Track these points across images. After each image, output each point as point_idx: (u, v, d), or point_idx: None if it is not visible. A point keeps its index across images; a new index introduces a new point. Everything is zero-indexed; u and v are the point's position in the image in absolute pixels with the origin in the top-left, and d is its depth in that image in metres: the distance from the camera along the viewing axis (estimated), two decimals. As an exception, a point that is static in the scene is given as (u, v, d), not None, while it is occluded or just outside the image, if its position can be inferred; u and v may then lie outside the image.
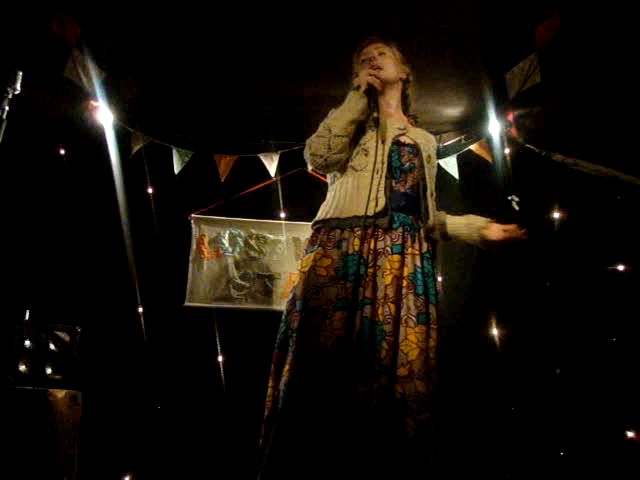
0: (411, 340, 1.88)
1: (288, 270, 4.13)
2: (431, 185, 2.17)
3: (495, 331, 3.93)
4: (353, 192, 2.08)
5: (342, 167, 2.16)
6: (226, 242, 4.19)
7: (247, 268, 4.14)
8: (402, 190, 2.10)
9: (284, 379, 1.88)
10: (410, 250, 2.02)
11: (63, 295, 3.77)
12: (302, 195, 3.87)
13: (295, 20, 3.19)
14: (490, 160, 3.97)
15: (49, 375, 3.02)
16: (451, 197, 4.19)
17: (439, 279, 2.20)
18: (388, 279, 1.95)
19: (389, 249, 1.99)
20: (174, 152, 4.02)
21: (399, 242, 2.01)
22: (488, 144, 3.95)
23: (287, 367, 1.90)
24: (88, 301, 3.79)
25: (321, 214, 2.15)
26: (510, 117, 3.75)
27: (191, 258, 4.12)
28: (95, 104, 3.68)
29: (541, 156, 3.65)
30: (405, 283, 1.96)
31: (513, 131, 3.79)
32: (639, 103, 3.40)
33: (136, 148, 3.91)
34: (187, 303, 4.03)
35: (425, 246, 2.09)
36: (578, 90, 3.46)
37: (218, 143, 4.13)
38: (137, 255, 3.87)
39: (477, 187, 4.13)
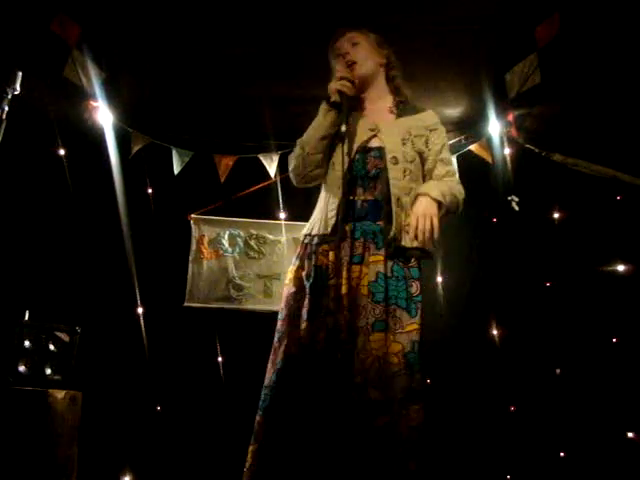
0: (366, 348, 1.90)
1: (288, 271, 4.12)
2: (398, 190, 2.03)
3: (495, 331, 3.93)
4: (322, 208, 2.12)
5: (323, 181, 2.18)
6: (226, 242, 4.18)
7: (247, 268, 4.14)
8: (370, 198, 2.05)
9: (269, 378, 2.01)
10: (372, 258, 2.00)
11: (63, 295, 3.76)
12: (302, 196, 3.86)
13: (294, 20, 3.19)
14: (490, 160, 3.96)
15: (49, 375, 3.02)
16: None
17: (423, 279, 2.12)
18: (345, 289, 1.95)
19: (347, 259, 1.98)
20: (174, 152, 4.02)
21: (359, 252, 2.00)
22: (488, 144, 3.95)
23: (269, 365, 2.04)
24: (88, 301, 3.79)
25: (306, 229, 2.20)
26: (510, 117, 3.76)
27: (191, 258, 4.12)
28: (95, 104, 3.68)
29: (541, 156, 3.67)
30: (365, 291, 1.96)
31: (513, 131, 3.80)
32: (639, 103, 3.40)
33: (136, 148, 3.91)
34: (187, 303, 4.02)
35: (399, 253, 2.03)
36: (578, 90, 3.46)
37: (218, 143, 4.13)
38: (137, 255, 3.87)
39: (477, 187, 4.13)
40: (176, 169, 4.01)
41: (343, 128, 1.99)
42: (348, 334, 1.90)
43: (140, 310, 3.88)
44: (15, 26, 3.05)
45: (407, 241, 2.00)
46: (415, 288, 2.02)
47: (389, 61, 2.27)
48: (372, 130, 2.11)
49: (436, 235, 1.98)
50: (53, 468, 2.70)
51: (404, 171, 2.06)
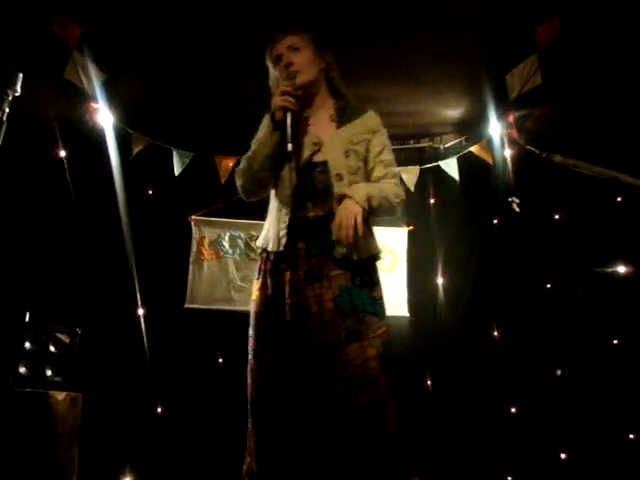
0: (343, 359, 1.93)
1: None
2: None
3: (496, 333, 3.94)
4: (273, 223, 2.10)
5: (272, 190, 2.17)
6: (226, 244, 4.18)
7: (247, 270, 4.13)
8: (320, 213, 2.03)
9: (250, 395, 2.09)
10: (333, 272, 1.99)
11: (63, 297, 3.76)
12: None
13: (294, 21, 3.18)
14: (491, 162, 3.97)
15: (49, 377, 3.02)
16: (451, 198, 4.20)
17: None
18: (313, 308, 1.97)
19: (309, 278, 1.99)
20: (174, 154, 4.02)
21: (317, 269, 2.00)
22: (489, 145, 3.95)
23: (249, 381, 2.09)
24: (88, 303, 3.79)
25: (259, 240, 2.19)
26: (511, 118, 3.76)
27: (191, 260, 4.12)
28: (95, 106, 3.68)
29: (542, 157, 3.67)
30: (330, 306, 1.97)
31: (514, 132, 3.80)
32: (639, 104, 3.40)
33: (137, 150, 3.91)
34: (187, 305, 4.02)
35: (355, 262, 2.02)
36: (579, 91, 3.46)
37: (218, 144, 4.13)
38: (137, 257, 3.86)
39: (477, 189, 4.14)
40: (177, 170, 4.01)
41: (290, 147, 1.92)
42: (321, 350, 1.94)
43: (141, 311, 3.88)
44: (16, 27, 3.06)
45: (354, 255, 2.00)
46: (377, 292, 2.06)
47: (329, 63, 2.21)
48: (315, 144, 2.08)
49: (360, 232, 1.93)
50: (53, 469, 2.70)
51: (349, 184, 2.04)
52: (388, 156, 2.16)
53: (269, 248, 2.09)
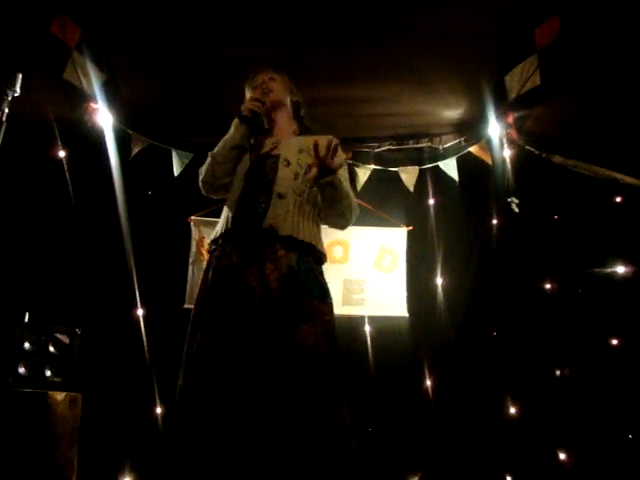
0: (293, 341, 1.93)
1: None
2: (284, 188, 2.13)
3: (495, 333, 3.94)
4: (224, 213, 2.24)
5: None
6: (226, 244, 4.18)
7: (246, 270, 4.13)
8: (267, 199, 2.12)
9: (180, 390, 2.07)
10: (279, 253, 2.05)
11: (63, 297, 3.76)
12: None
13: (293, 22, 3.19)
14: (490, 162, 3.97)
15: (49, 377, 3.02)
16: (451, 199, 4.20)
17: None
18: (258, 290, 1.98)
19: (254, 261, 2.02)
20: (174, 154, 4.02)
21: (261, 251, 2.04)
22: (488, 146, 3.95)
23: (180, 381, 2.08)
24: (88, 303, 3.79)
25: (210, 236, 2.27)
26: (510, 119, 3.76)
27: (191, 260, 4.12)
28: (95, 106, 3.68)
29: (541, 158, 3.68)
30: (275, 286, 1.99)
31: (513, 133, 3.80)
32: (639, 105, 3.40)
33: (136, 150, 3.91)
34: (187, 305, 4.02)
35: (296, 251, 2.09)
36: (578, 92, 3.46)
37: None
38: (137, 257, 3.86)
39: (477, 189, 4.14)
40: (176, 171, 4.01)
41: (252, 140, 2.21)
42: (270, 331, 1.93)
43: (140, 312, 3.87)
44: (15, 27, 3.06)
45: (284, 230, 2.07)
46: (321, 281, 2.12)
47: (298, 101, 2.46)
48: (274, 144, 2.29)
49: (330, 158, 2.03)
50: (53, 470, 2.70)
51: (295, 174, 2.18)
52: (345, 174, 2.32)
53: (217, 234, 2.17)
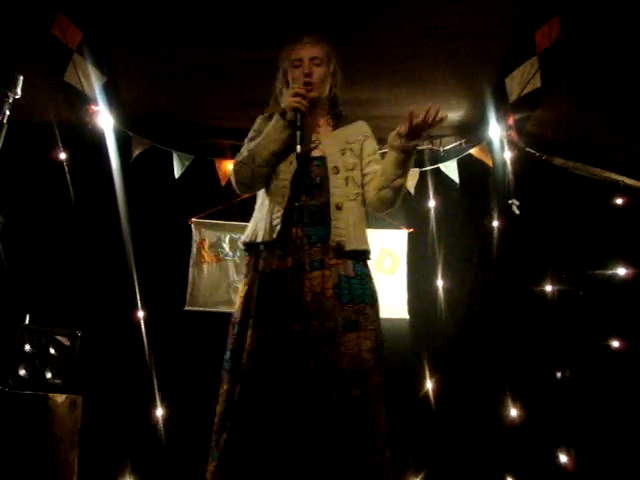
0: (340, 350, 1.93)
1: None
2: (339, 198, 2.08)
3: (495, 335, 3.93)
4: (265, 216, 2.13)
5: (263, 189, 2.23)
6: (227, 246, 4.19)
7: (247, 272, 4.13)
8: (316, 204, 2.09)
9: (224, 398, 2.03)
10: (334, 261, 2.03)
11: (63, 299, 3.76)
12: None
13: (295, 24, 3.19)
14: (490, 164, 3.97)
15: (49, 379, 3.02)
16: (451, 201, 4.20)
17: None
18: (308, 297, 1.98)
19: (308, 267, 2.01)
20: (174, 156, 4.02)
21: (318, 257, 2.03)
22: (488, 148, 3.95)
23: (226, 387, 2.04)
24: (88, 305, 3.79)
25: (246, 236, 2.21)
26: (510, 121, 3.76)
27: (191, 262, 4.12)
28: (96, 108, 3.69)
29: (542, 160, 3.68)
30: (331, 294, 1.99)
31: (513, 135, 3.80)
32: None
33: (137, 152, 3.92)
34: (187, 307, 4.02)
35: (353, 252, 2.08)
36: (578, 94, 3.46)
37: (218, 147, 4.14)
38: (137, 259, 3.86)
39: (477, 191, 4.14)
40: (177, 173, 4.01)
41: (299, 149, 2.02)
42: (318, 339, 1.93)
43: (141, 314, 3.87)
44: (16, 29, 3.06)
45: (349, 245, 2.05)
46: (374, 286, 2.10)
47: (337, 81, 2.30)
48: (313, 142, 2.18)
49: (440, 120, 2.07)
50: (53, 472, 2.70)
51: (346, 179, 2.13)
52: (380, 158, 2.25)
53: (258, 239, 2.11)
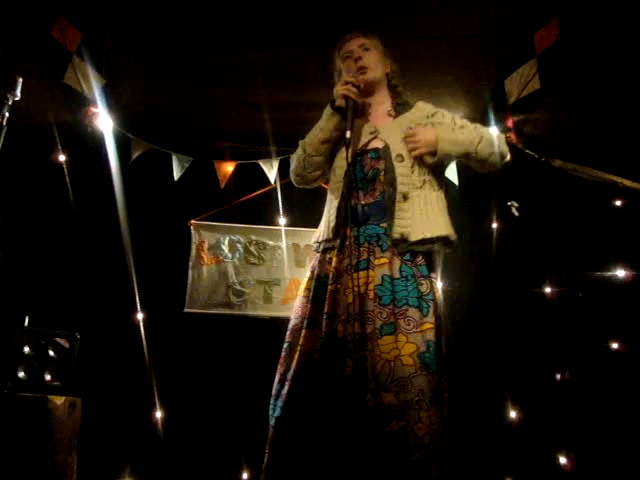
0: (376, 353, 1.87)
1: (288, 276, 4.12)
2: (405, 187, 2.03)
3: (495, 337, 3.93)
4: (325, 215, 2.16)
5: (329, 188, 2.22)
6: (226, 248, 4.18)
7: (247, 274, 4.13)
8: (370, 200, 2.06)
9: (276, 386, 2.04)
10: (378, 261, 1.98)
11: (63, 301, 3.76)
12: (302, 201, 3.87)
13: (295, 27, 3.20)
14: (490, 166, 3.96)
15: (48, 381, 3.01)
16: (450, 203, 4.20)
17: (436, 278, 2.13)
18: (350, 297, 1.93)
19: (354, 268, 1.96)
20: (174, 158, 4.02)
21: (364, 257, 1.99)
22: (488, 150, 3.94)
23: (278, 374, 2.05)
24: (88, 307, 3.78)
25: (315, 237, 2.22)
26: (509, 123, 3.76)
27: (190, 264, 4.12)
28: (95, 110, 3.69)
29: (541, 162, 3.68)
30: (372, 295, 1.95)
31: (513, 137, 3.80)
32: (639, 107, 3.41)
33: (136, 154, 3.91)
34: (187, 309, 4.02)
35: (405, 252, 2.02)
36: (577, 96, 3.46)
37: (218, 149, 4.14)
38: (137, 261, 3.86)
39: (476, 193, 4.14)
40: (176, 175, 4.01)
41: (348, 134, 1.97)
42: (359, 341, 1.87)
43: (140, 316, 3.87)
44: (16, 32, 3.06)
45: (415, 236, 1.99)
46: (426, 286, 2.01)
47: (392, 70, 2.29)
48: (372, 133, 2.13)
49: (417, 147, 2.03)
50: (52, 474, 2.69)
51: (411, 167, 2.06)
52: (462, 121, 2.24)
53: (320, 238, 2.12)
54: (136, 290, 3.84)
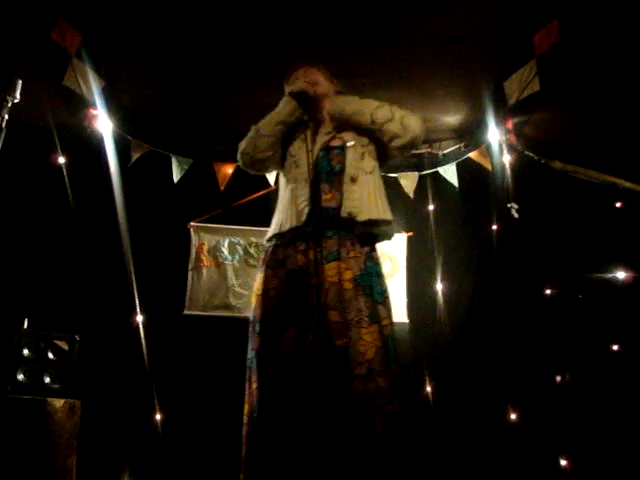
0: (366, 339, 1.94)
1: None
2: (354, 170, 2.14)
3: (496, 338, 3.93)
4: (287, 205, 2.18)
5: (281, 181, 2.31)
6: (225, 250, 4.18)
7: (246, 276, 4.13)
8: (336, 193, 2.12)
9: (254, 397, 2.03)
10: (352, 254, 2.06)
11: (62, 304, 3.75)
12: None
13: (292, 29, 3.20)
14: (489, 168, 3.97)
15: (48, 384, 3.01)
16: (451, 205, 4.20)
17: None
18: (333, 287, 2.00)
19: (325, 260, 2.03)
20: (173, 160, 4.02)
21: (334, 249, 2.05)
22: (487, 152, 3.96)
23: (255, 385, 2.04)
24: (87, 310, 3.78)
25: (271, 230, 2.26)
26: (509, 125, 3.76)
27: (190, 266, 4.12)
28: (94, 112, 3.69)
29: (540, 163, 3.67)
30: (350, 286, 2.00)
31: (512, 139, 3.80)
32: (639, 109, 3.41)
33: (136, 156, 3.92)
34: (186, 311, 4.02)
35: (367, 248, 2.11)
36: (577, 97, 3.47)
37: (217, 151, 4.14)
38: (136, 264, 3.85)
39: (476, 195, 4.14)
40: (176, 177, 4.01)
41: (305, 117, 2.20)
42: (339, 330, 1.93)
43: (140, 318, 3.86)
44: (15, 34, 3.06)
45: (363, 215, 2.06)
46: (384, 284, 2.12)
47: (338, 88, 2.42)
48: (329, 133, 2.25)
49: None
50: (51, 476, 2.69)
51: (362, 154, 2.19)
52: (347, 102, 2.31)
53: (284, 228, 2.13)
54: (136, 292, 3.84)
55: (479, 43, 3.23)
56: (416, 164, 4.27)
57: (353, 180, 2.12)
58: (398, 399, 1.95)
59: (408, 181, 4.11)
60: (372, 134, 2.20)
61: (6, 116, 2.06)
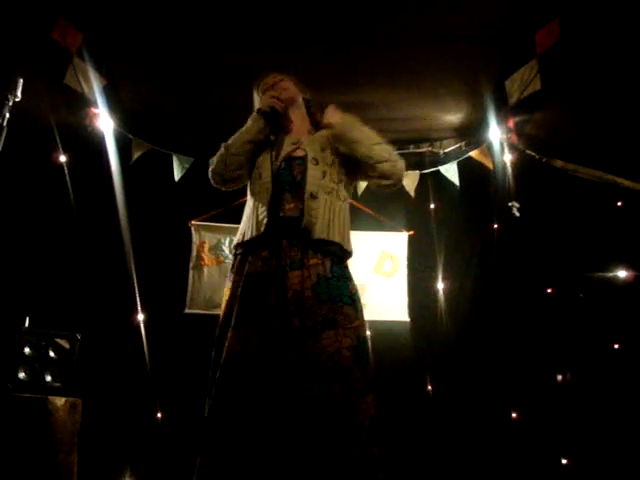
0: (318, 346, 1.97)
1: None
2: (315, 187, 2.15)
3: (496, 337, 3.93)
4: (250, 215, 2.21)
5: (248, 192, 2.33)
6: (226, 249, 4.18)
7: (247, 275, 4.12)
8: (298, 202, 2.14)
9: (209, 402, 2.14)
10: (313, 261, 2.08)
11: (63, 302, 3.76)
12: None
13: (293, 27, 3.20)
14: (490, 167, 3.97)
15: (49, 382, 3.01)
16: (452, 204, 4.20)
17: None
18: (290, 294, 2.02)
19: (288, 267, 2.05)
20: (174, 159, 4.02)
21: (298, 257, 2.07)
22: (489, 150, 3.96)
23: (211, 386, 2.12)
24: (88, 308, 3.78)
25: (236, 240, 2.27)
26: (510, 123, 3.76)
27: (191, 265, 4.12)
28: (95, 111, 3.69)
29: (542, 162, 3.67)
30: (309, 294, 2.03)
31: (513, 137, 3.80)
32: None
33: (137, 155, 3.92)
34: (187, 310, 4.02)
35: (331, 255, 2.13)
36: (578, 96, 3.46)
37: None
38: (137, 262, 3.86)
39: (477, 193, 4.14)
40: (177, 175, 4.02)
41: (272, 137, 2.23)
42: (299, 335, 1.97)
43: (141, 317, 3.87)
44: (16, 32, 3.06)
45: (317, 233, 2.08)
46: (352, 287, 2.14)
47: (309, 99, 2.48)
48: (295, 143, 2.27)
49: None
50: (52, 475, 2.69)
51: (323, 172, 2.20)
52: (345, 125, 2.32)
53: (247, 237, 2.16)
54: (137, 291, 3.84)
55: (480, 42, 3.22)
56: (417, 163, 4.28)
57: (313, 197, 2.13)
58: (373, 393, 1.98)
59: (409, 180, 4.11)
60: (360, 164, 2.23)
61: (7, 115, 2.06)
